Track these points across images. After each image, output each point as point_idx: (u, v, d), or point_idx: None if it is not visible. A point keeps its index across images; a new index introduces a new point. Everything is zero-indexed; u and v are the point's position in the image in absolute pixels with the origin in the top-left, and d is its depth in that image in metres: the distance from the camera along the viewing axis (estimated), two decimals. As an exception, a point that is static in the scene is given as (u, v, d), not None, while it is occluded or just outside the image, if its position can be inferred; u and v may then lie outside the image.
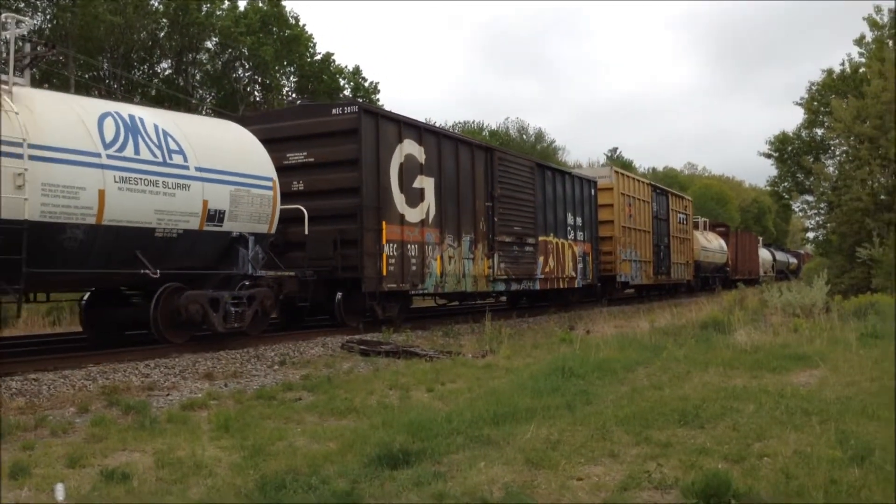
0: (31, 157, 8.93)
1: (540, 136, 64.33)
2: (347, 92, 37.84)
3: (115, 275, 10.46)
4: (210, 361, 10.42)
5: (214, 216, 11.22)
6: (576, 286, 23.07)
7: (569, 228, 22.29)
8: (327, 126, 14.36)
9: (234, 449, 5.96)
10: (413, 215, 15.29)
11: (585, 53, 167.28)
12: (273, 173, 12.44)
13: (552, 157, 57.44)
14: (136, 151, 10.21)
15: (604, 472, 5.13)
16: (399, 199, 14.91)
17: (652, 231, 28.89)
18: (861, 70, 32.27)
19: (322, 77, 36.68)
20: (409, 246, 15.06)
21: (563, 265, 21.83)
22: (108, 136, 9.94)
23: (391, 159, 14.75)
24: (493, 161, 18.34)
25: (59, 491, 4.67)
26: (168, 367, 9.85)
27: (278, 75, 36.34)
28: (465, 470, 5.10)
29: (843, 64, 35.37)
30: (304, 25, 36.61)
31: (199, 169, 11.03)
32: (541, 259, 20.40)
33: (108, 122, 10.07)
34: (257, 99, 36.80)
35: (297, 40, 35.66)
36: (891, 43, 29.71)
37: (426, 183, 15.79)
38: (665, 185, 36.26)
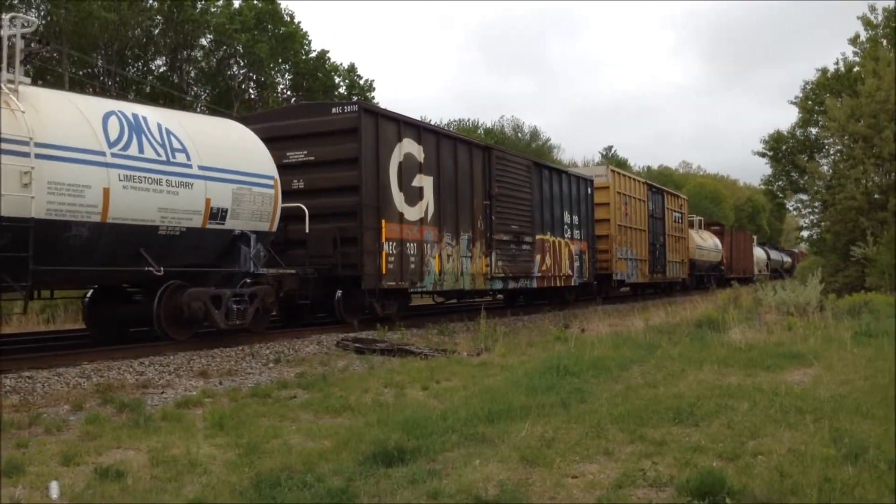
0: (38, 156, 9.02)
1: (535, 134, 64.39)
2: (342, 90, 37.79)
3: (119, 272, 10.57)
4: (205, 359, 10.40)
5: (217, 214, 11.30)
6: (572, 284, 23.12)
7: (565, 227, 22.35)
8: (327, 125, 14.44)
9: (229, 447, 5.95)
10: (412, 214, 15.36)
11: (581, 52, 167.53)
12: (274, 172, 12.53)
13: (547, 155, 57.47)
14: (140, 150, 10.30)
15: (598, 469, 5.14)
16: (398, 197, 14.97)
17: (648, 230, 28.94)
18: (855, 69, 32.33)
19: (317, 75, 36.61)
20: (407, 244, 15.13)
21: (559, 263, 21.88)
22: (113, 135, 10.03)
23: (390, 158, 14.82)
24: (490, 160, 18.41)
25: (54, 489, 4.66)
26: (163, 364, 9.84)
27: (273, 73, 36.27)
28: (459, 468, 5.10)
29: (837, 63, 35.42)
30: (299, 23, 36.55)
31: (201, 168, 11.11)
32: (538, 257, 20.46)
33: (113, 120, 10.15)
34: (252, 96, 36.72)
35: (292, 38, 35.59)
36: (885, 42, 29.80)
37: (425, 182, 15.85)
38: (660, 184, 36.32)
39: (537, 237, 20.40)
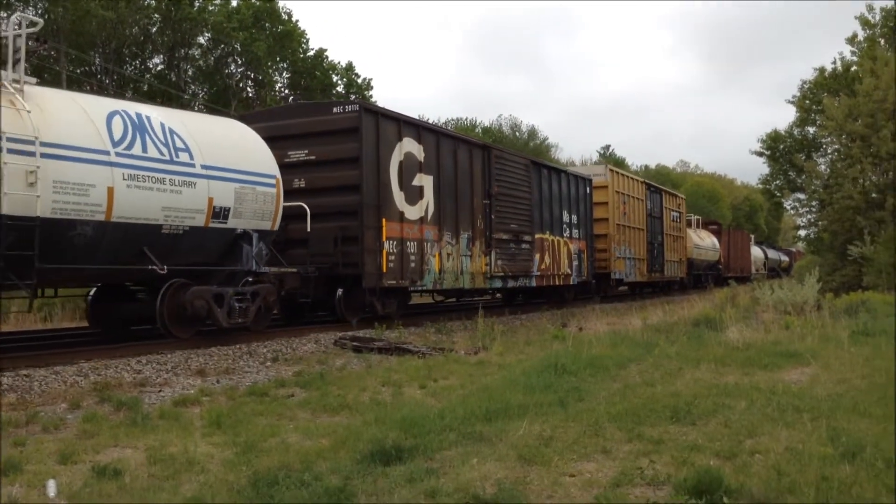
0: (43, 155, 9.07)
1: (533, 133, 64.41)
2: (340, 89, 37.77)
3: (123, 270, 10.65)
4: (202, 358, 10.40)
5: (219, 213, 11.36)
6: (571, 283, 23.18)
7: (564, 226, 22.40)
8: (328, 124, 14.50)
9: (227, 445, 5.95)
10: (412, 213, 15.42)
11: (578, 51, 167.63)
12: (276, 171, 12.59)
13: (545, 154, 57.48)
14: (144, 149, 10.36)
15: (596, 468, 5.14)
16: (399, 196, 15.03)
17: (646, 229, 28.97)
18: (853, 68, 32.38)
19: (315, 73, 36.59)
20: (408, 243, 15.20)
21: (558, 262, 21.93)
22: (117, 135, 10.08)
23: (391, 157, 14.88)
24: (490, 159, 18.47)
25: (51, 487, 4.66)
26: (160, 363, 9.83)
27: (271, 71, 36.24)
28: (457, 466, 5.10)
29: (835, 62, 35.48)
30: (296, 21, 36.55)
31: (204, 167, 11.16)
32: (537, 256, 20.51)
33: (117, 120, 10.21)
34: (250, 95, 36.68)
35: (290, 36, 35.55)
36: (883, 41, 29.83)
37: (425, 181, 15.91)
38: (657, 183, 36.34)
39: (536, 236, 20.44)
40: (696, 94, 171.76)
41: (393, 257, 14.67)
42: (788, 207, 43.45)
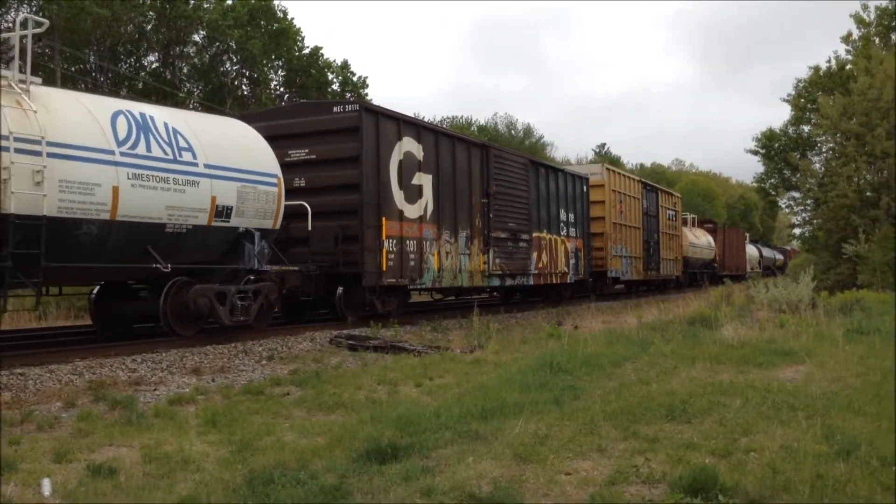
0: (50, 155, 9.12)
1: (528, 131, 64.50)
2: (335, 87, 37.71)
3: (128, 269, 10.73)
4: (197, 356, 10.39)
5: (222, 212, 11.43)
6: (568, 281, 23.27)
7: (561, 225, 22.48)
8: (329, 124, 14.56)
9: (222, 444, 5.94)
10: (412, 211, 15.49)
11: (574, 50, 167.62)
12: (278, 170, 12.66)
13: (540, 152, 57.53)
14: (148, 149, 10.42)
15: (592, 466, 5.14)
16: (398, 195, 15.10)
17: (642, 227, 29.03)
18: (848, 67, 32.42)
19: (310, 71, 36.52)
20: (407, 241, 15.28)
21: (556, 261, 22.00)
22: (122, 134, 10.15)
23: (391, 156, 14.95)
24: (488, 158, 18.55)
25: (46, 486, 4.65)
26: (155, 361, 9.81)
27: (266, 69, 36.17)
28: (453, 464, 5.11)
29: (829, 61, 35.50)
30: (292, 19, 36.46)
31: (207, 166, 11.23)
32: (534, 255, 20.58)
33: (121, 120, 10.27)
34: (245, 93, 36.61)
35: (285, 34, 35.49)
36: (877, 40, 29.89)
37: (424, 180, 15.98)
38: (653, 181, 36.40)
39: (534, 235, 20.50)
40: (691, 92, 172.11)
41: (392, 256, 14.75)
42: (783, 206, 43.52)
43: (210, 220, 11.25)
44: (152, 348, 10.60)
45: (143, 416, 6.97)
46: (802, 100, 35.63)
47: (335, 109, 14.74)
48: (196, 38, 34.44)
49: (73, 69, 30.14)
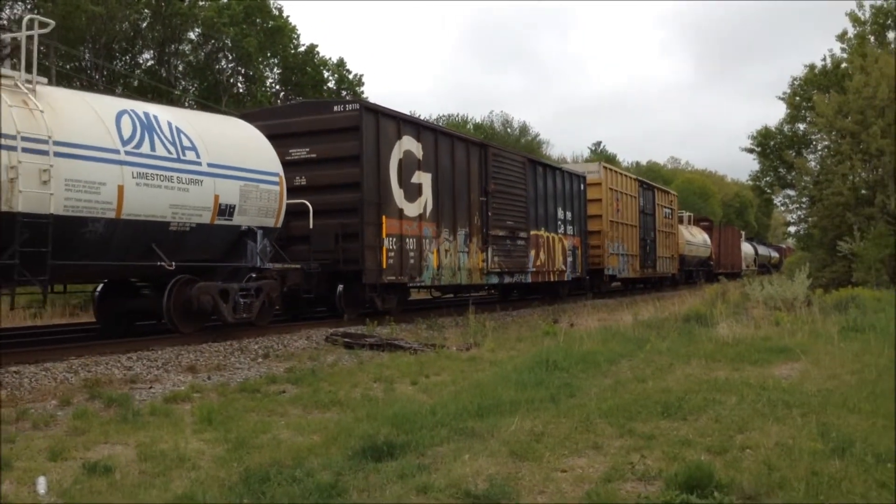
0: (56, 154, 9.19)
1: (524, 129, 64.47)
2: (331, 85, 37.64)
3: (133, 266, 10.84)
4: (193, 354, 10.38)
5: (225, 210, 11.53)
6: (566, 279, 23.40)
7: (559, 223, 22.60)
8: (329, 123, 14.66)
9: (218, 442, 5.94)
10: (411, 210, 15.60)
11: (571, 49, 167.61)
12: (279, 169, 12.75)
13: (536, 150, 57.53)
14: (152, 148, 10.51)
15: (588, 463, 5.15)
16: (398, 194, 15.21)
17: (639, 225, 29.11)
18: (843, 65, 32.43)
19: (306, 69, 36.45)
20: (407, 239, 15.39)
21: (553, 259, 22.10)
22: (126, 134, 10.24)
23: (391, 155, 15.05)
24: (487, 157, 18.66)
25: (41, 484, 4.64)
26: (150, 360, 9.80)
27: (262, 67, 36.09)
28: (449, 462, 5.10)
29: (825, 59, 35.47)
30: (287, 17, 36.37)
31: (210, 165, 11.32)
32: (532, 253, 20.70)
33: (125, 119, 10.35)
34: (240, 91, 36.53)
35: (281, 32, 35.41)
36: (873, 38, 29.93)
37: (423, 178, 16.08)
38: (649, 180, 36.44)
39: (532, 233, 20.61)
40: (687, 91, 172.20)
41: (392, 254, 14.86)
42: (779, 204, 43.48)
43: (213, 219, 11.35)
44: (148, 346, 10.59)
45: (138, 414, 6.96)
46: (798, 98, 35.62)
47: (336, 108, 14.84)
48: (191, 35, 34.36)
49: (68, 67, 30.06)
